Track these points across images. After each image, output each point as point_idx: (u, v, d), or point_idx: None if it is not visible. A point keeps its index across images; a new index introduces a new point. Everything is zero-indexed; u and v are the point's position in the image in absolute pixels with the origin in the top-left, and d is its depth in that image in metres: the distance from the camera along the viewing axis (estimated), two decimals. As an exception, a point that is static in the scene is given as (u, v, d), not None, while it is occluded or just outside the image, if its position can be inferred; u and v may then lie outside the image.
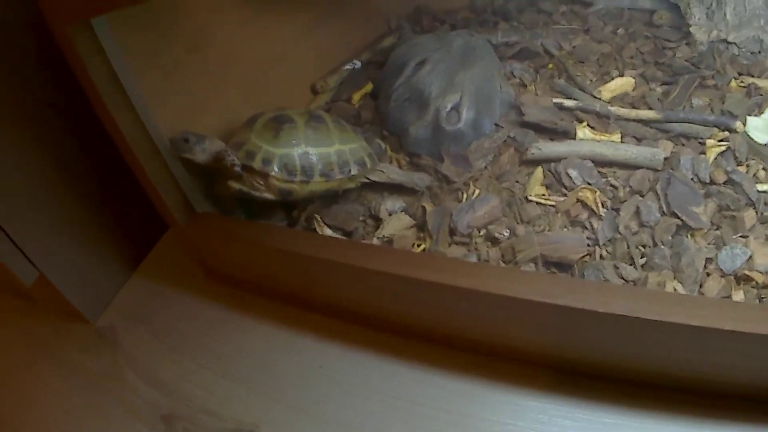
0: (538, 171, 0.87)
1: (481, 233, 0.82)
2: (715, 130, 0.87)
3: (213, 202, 0.92)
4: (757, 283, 0.70)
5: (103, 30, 0.70)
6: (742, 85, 0.94)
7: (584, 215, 0.81)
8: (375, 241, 0.85)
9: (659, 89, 0.96)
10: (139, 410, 0.87)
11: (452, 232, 0.82)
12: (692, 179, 0.81)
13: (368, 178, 0.90)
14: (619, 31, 1.10)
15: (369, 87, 1.11)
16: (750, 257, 0.72)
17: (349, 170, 0.87)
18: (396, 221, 0.86)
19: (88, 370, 0.95)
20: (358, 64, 1.17)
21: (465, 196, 0.87)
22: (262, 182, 0.85)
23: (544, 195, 0.84)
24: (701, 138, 0.86)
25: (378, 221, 0.88)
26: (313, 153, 0.86)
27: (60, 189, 0.93)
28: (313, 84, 1.13)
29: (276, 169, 0.83)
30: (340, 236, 0.87)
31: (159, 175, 0.84)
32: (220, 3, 0.93)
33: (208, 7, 0.91)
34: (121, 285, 1.07)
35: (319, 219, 0.88)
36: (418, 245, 0.83)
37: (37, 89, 0.88)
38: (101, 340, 0.99)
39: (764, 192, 0.78)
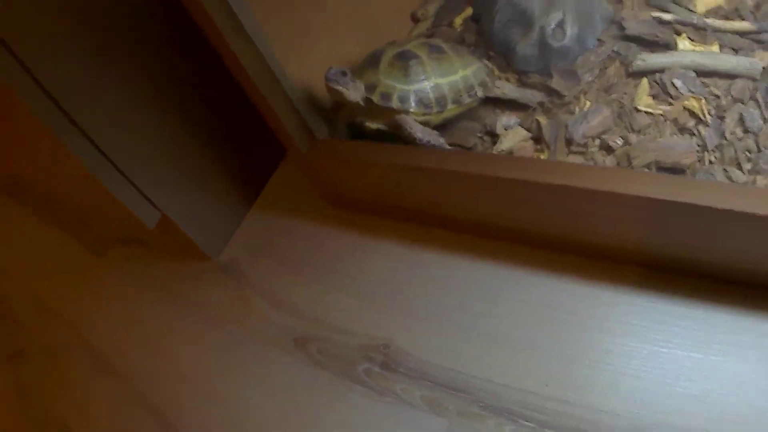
0: (644, 82, 0.91)
1: (596, 142, 0.87)
2: (812, 35, 0.90)
3: (332, 130, 0.96)
4: None
5: None
6: (834, -7, 0.97)
7: (691, 123, 0.85)
8: (496, 151, 0.90)
9: (750, 2, 0.99)
10: (271, 336, 0.92)
11: (569, 142, 0.87)
12: (791, 86, 0.85)
13: (487, 96, 0.95)
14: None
15: (469, 11, 1.14)
16: None
17: (476, 92, 0.93)
18: (513, 135, 0.91)
19: (217, 304, 1.00)
20: (458, -12, 1.20)
21: (577, 108, 0.91)
22: (400, 120, 0.90)
23: (651, 105, 0.88)
24: (798, 48, 0.89)
25: (495, 137, 0.93)
26: (443, 83, 0.91)
27: (175, 129, 0.97)
28: (413, 12, 1.17)
29: (414, 105, 0.89)
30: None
31: (280, 103, 0.88)
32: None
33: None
34: (241, 219, 1.11)
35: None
36: (538, 155, 0.89)
37: (161, 36, 0.91)
38: (226, 274, 1.04)
39: None
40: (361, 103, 0.90)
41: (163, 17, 0.91)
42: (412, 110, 0.89)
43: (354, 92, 0.89)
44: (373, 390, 0.82)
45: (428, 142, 0.89)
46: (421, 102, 0.90)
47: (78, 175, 0.89)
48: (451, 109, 0.92)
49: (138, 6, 0.88)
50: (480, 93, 0.93)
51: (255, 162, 1.12)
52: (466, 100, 0.93)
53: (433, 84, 0.91)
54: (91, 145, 0.86)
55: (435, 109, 0.90)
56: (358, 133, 0.96)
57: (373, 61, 0.93)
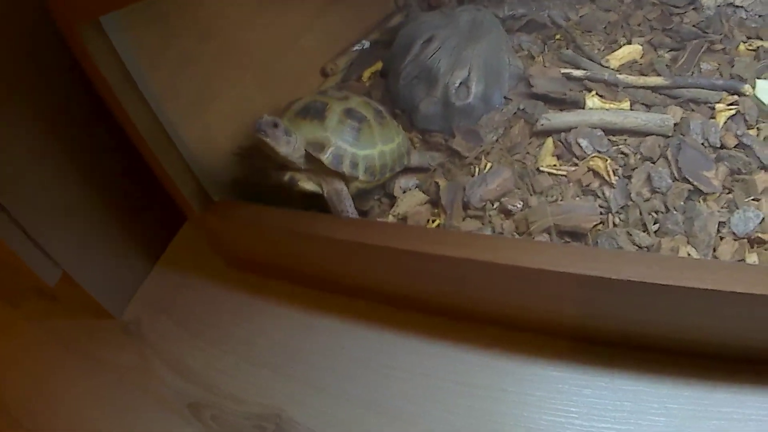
0: (549, 142, 0.87)
1: (495, 206, 0.83)
2: (725, 94, 0.87)
3: (232, 188, 0.93)
4: (770, 244, 0.70)
5: (112, 27, 0.71)
6: (751, 48, 0.94)
7: (596, 184, 0.81)
8: (390, 218, 0.86)
9: (667, 55, 0.96)
10: (166, 400, 0.88)
11: (466, 206, 0.83)
12: (703, 144, 0.81)
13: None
14: (625, -1, 1.10)
15: (378, 65, 1.11)
16: (763, 220, 0.72)
17: (404, 162, 0.89)
18: (410, 198, 0.87)
19: (116, 364, 0.96)
20: (367, 44, 1.18)
21: (477, 170, 0.87)
22: (328, 180, 0.84)
23: (555, 165, 0.85)
24: (710, 103, 0.86)
25: (393, 199, 0.89)
26: (387, 151, 0.86)
27: (78, 186, 0.94)
28: (323, 66, 1.13)
29: (362, 172, 0.84)
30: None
31: (174, 167, 0.84)
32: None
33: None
34: (144, 277, 1.08)
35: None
36: (433, 221, 0.84)
37: (59, 88, 0.88)
38: (127, 334, 1.00)
39: (775, 153, 0.78)
40: (295, 160, 0.82)
41: (67, 74, 0.88)
42: (360, 177, 0.83)
43: (285, 146, 0.79)
44: (265, 461, 0.78)
45: (350, 215, 0.83)
46: (368, 170, 0.84)
47: None
48: (385, 177, 0.87)
49: (42, 61, 0.85)
50: (406, 161, 0.89)
51: (159, 220, 1.09)
52: (398, 168, 0.88)
53: (380, 151, 0.85)
54: None
55: (377, 178, 0.85)
56: (272, 190, 0.92)
57: (314, 113, 0.85)
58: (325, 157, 0.81)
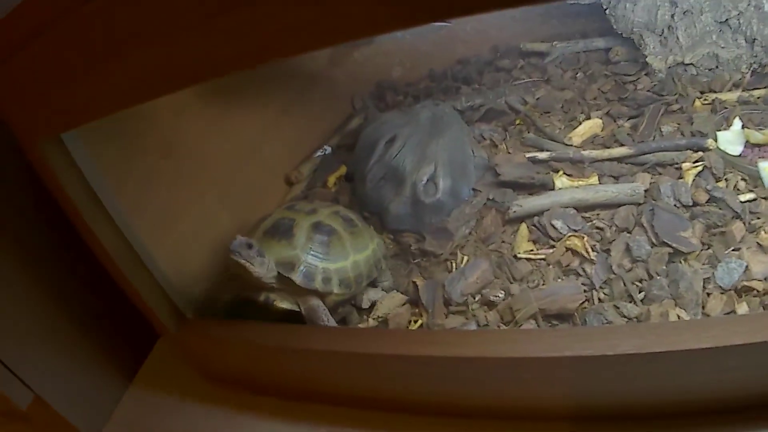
0: (523, 228, 0.87)
1: (477, 299, 0.81)
2: (689, 152, 0.87)
3: (204, 304, 0.92)
4: (758, 291, 0.70)
5: (74, 144, 0.71)
6: (707, 102, 0.95)
7: (576, 262, 0.80)
8: (371, 322, 0.85)
9: (627, 124, 0.97)
10: None
11: (447, 302, 0.82)
12: (675, 205, 0.81)
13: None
14: (578, 75, 1.12)
15: (343, 170, 1.11)
16: (746, 268, 0.72)
17: (381, 266, 0.88)
18: (389, 300, 0.86)
19: None
20: (329, 149, 1.18)
21: (454, 265, 0.86)
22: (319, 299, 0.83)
23: (532, 250, 0.84)
24: (677, 163, 0.87)
25: (360, 310, 0.88)
26: (360, 260, 0.85)
27: (48, 307, 0.93)
28: (287, 175, 1.13)
29: (337, 287, 0.82)
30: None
31: (145, 285, 0.83)
32: (184, 106, 0.94)
33: (173, 111, 0.92)
34: (119, 398, 1.05)
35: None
36: (415, 321, 0.83)
37: (22, 208, 0.88)
38: None
39: (747, 201, 0.78)
40: (268, 280, 0.81)
41: (28, 189, 0.87)
42: (335, 292, 0.82)
43: (260, 267, 0.78)
44: None
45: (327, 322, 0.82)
46: (343, 283, 0.83)
47: None
48: (360, 287, 0.86)
49: (7, 180, 0.85)
50: (384, 266, 0.88)
51: (133, 336, 1.06)
52: (374, 274, 0.87)
53: (353, 262, 0.84)
54: None
55: (353, 289, 0.84)
56: (248, 307, 0.90)
57: (282, 232, 0.84)
58: (296, 276, 0.80)
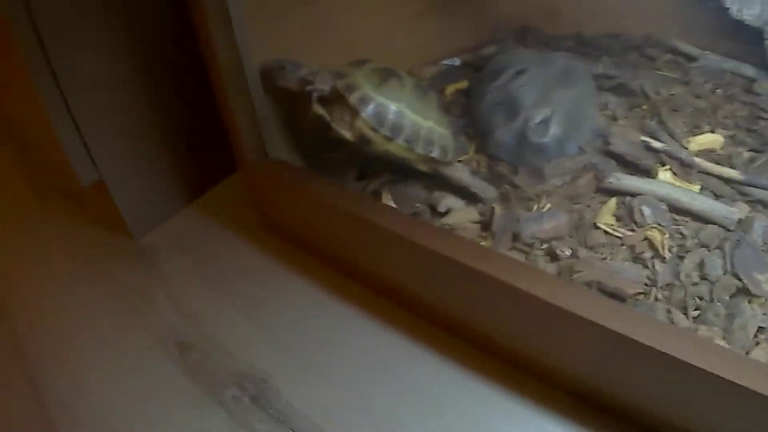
0: (612, 201, 0.87)
1: (543, 246, 0.82)
2: (796, 203, 0.86)
3: (290, 147, 0.93)
4: (807, 360, 0.69)
5: None
6: (830, 168, 0.93)
7: (648, 254, 0.80)
8: (437, 225, 0.86)
9: (746, 154, 0.96)
10: (157, 330, 0.88)
11: (516, 237, 0.83)
12: (761, 247, 0.80)
13: (440, 171, 0.90)
14: (717, 90, 1.10)
15: (463, 84, 1.12)
16: (805, 335, 0.71)
17: (431, 150, 0.86)
18: (464, 213, 0.87)
19: (120, 282, 0.97)
20: (458, 62, 1.19)
21: (536, 206, 0.87)
22: (348, 118, 0.83)
23: (613, 225, 0.84)
24: (779, 208, 0.86)
25: (435, 212, 0.89)
26: (407, 116, 0.84)
27: (143, 101, 0.95)
28: (410, 69, 1.14)
29: (369, 112, 0.82)
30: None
31: (243, 112, 0.85)
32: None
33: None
34: (176, 211, 1.09)
35: (388, 194, 0.89)
36: (479, 242, 0.84)
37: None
38: (141, 257, 1.01)
39: (832, 276, 0.77)
40: (327, 90, 0.82)
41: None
42: (364, 115, 0.81)
43: (297, 84, 0.82)
44: (234, 419, 0.77)
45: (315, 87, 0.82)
46: (378, 115, 0.82)
47: (42, 116, 0.87)
48: (398, 145, 0.84)
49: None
50: (435, 154, 0.86)
51: (209, 161, 1.10)
52: (419, 149, 0.85)
53: (398, 110, 0.83)
54: (55, 86, 0.84)
55: (384, 132, 0.82)
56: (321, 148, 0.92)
57: (359, 63, 0.87)
58: (340, 84, 0.82)
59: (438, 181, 0.92)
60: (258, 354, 0.83)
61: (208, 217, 1.08)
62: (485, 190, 0.90)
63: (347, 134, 0.83)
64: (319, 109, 0.83)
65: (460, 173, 0.91)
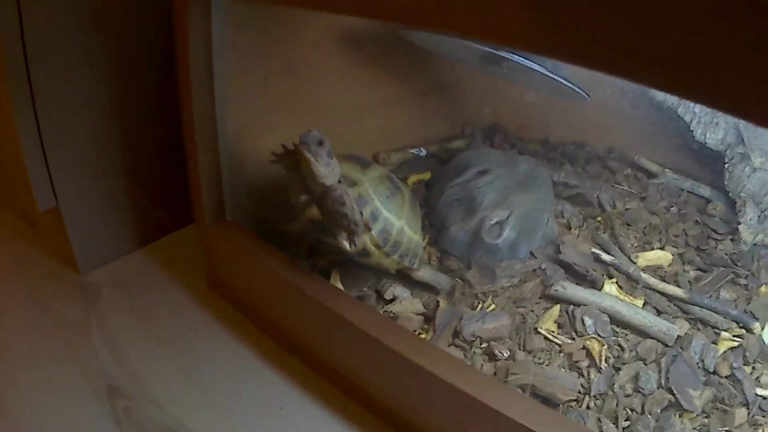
0: (556, 308, 0.89)
1: (483, 345, 0.83)
2: (734, 325, 0.88)
3: (246, 210, 0.94)
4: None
5: (218, 15, 0.75)
6: (772, 294, 0.96)
7: (585, 363, 0.82)
8: (381, 312, 0.87)
9: (692, 273, 0.98)
10: (90, 370, 0.87)
11: (456, 334, 0.84)
12: (697, 363, 0.82)
13: (408, 273, 0.92)
14: (672, 208, 1.13)
15: (427, 175, 1.15)
16: (728, 455, 0.72)
17: (414, 262, 0.88)
18: (409, 303, 0.88)
19: (59, 313, 0.97)
20: (424, 152, 1.22)
21: (480, 305, 0.89)
22: (347, 233, 0.80)
23: (553, 332, 0.86)
24: (718, 329, 0.88)
25: (380, 298, 0.90)
26: (406, 233, 0.86)
27: (115, 139, 0.96)
28: (376, 153, 1.18)
29: (377, 229, 0.82)
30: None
31: (209, 170, 0.87)
32: (322, 43, 0.98)
33: (312, 42, 0.96)
34: (125, 253, 1.09)
35: (337, 275, 0.91)
36: (419, 334, 0.85)
37: (142, 32, 0.93)
38: (84, 292, 1.01)
39: (762, 397, 0.79)
40: (326, 180, 0.75)
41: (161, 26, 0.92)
42: (373, 232, 0.81)
43: (324, 167, 0.74)
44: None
45: (356, 219, 0.77)
46: (384, 232, 0.82)
47: (11, 131, 0.88)
48: (391, 260, 0.85)
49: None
50: (416, 264, 0.89)
51: (167, 210, 1.11)
52: (406, 262, 0.87)
53: (400, 227, 0.85)
54: (31, 106, 0.85)
55: (386, 248, 0.83)
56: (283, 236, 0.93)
57: (359, 162, 0.86)
58: (354, 191, 0.80)
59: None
60: (187, 411, 0.83)
61: (157, 264, 1.09)
62: (443, 282, 0.92)
63: (347, 246, 0.80)
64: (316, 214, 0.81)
65: (423, 273, 0.92)
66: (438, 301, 0.88)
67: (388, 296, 0.89)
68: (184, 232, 1.17)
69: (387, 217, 0.83)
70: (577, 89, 0.93)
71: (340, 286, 0.89)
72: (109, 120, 0.95)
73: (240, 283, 0.96)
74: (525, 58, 0.88)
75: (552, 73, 0.89)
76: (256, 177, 0.95)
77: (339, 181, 0.76)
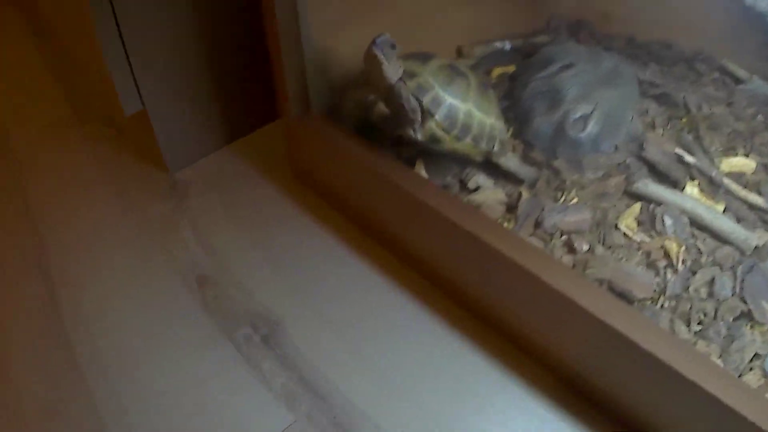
0: (637, 206, 0.88)
1: (563, 237, 0.84)
2: (819, 238, 0.87)
3: (332, 105, 0.94)
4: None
5: None
6: None
7: (662, 263, 0.82)
8: (464, 201, 0.88)
9: (776, 184, 0.97)
10: (180, 262, 0.91)
11: (537, 225, 0.85)
12: (775, 275, 0.81)
13: (493, 160, 0.92)
14: (758, 116, 1.10)
15: (511, 68, 1.13)
16: (798, 370, 0.72)
17: (493, 146, 0.89)
18: (492, 192, 0.89)
19: (149, 211, 1.00)
20: (508, 45, 1.20)
21: (563, 198, 0.89)
22: (417, 119, 0.83)
23: (633, 229, 0.86)
24: (800, 241, 0.87)
25: (464, 187, 0.91)
26: (475, 116, 0.86)
27: (197, 39, 0.96)
28: (460, 47, 1.16)
29: (441, 114, 0.83)
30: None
31: (294, 65, 0.87)
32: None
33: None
34: (212, 151, 1.11)
35: (422, 165, 0.91)
36: (502, 223, 0.86)
37: None
38: (172, 189, 1.04)
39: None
40: (392, 82, 0.81)
41: None
42: (436, 117, 0.83)
43: (391, 69, 0.79)
44: (242, 357, 0.80)
45: (413, 108, 0.82)
46: (449, 117, 0.84)
47: (93, 41, 0.89)
48: (465, 144, 0.86)
49: None
50: (496, 148, 0.89)
51: (253, 106, 1.11)
52: (482, 146, 0.88)
53: (467, 110, 0.85)
54: (111, 12, 0.85)
55: (455, 132, 0.84)
56: (361, 119, 0.93)
57: (421, 58, 0.87)
58: (411, 83, 0.82)
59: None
60: (274, 297, 0.86)
61: (244, 160, 1.10)
62: (527, 173, 0.92)
63: (416, 135, 0.84)
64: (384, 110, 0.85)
65: (509, 162, 0.93)
66: (521, 192, 0.88)
67: (471, 185, 0.90)
68: (269, 128, 1.18)
69: (451, 102, 0.84)
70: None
71: (425, 175, 0.90)
72: (189, 19, 0.94)
73: (326, 174, 0.97)
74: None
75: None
76: (340, 73, 0.95)
77: (400, 79, 0.81)
